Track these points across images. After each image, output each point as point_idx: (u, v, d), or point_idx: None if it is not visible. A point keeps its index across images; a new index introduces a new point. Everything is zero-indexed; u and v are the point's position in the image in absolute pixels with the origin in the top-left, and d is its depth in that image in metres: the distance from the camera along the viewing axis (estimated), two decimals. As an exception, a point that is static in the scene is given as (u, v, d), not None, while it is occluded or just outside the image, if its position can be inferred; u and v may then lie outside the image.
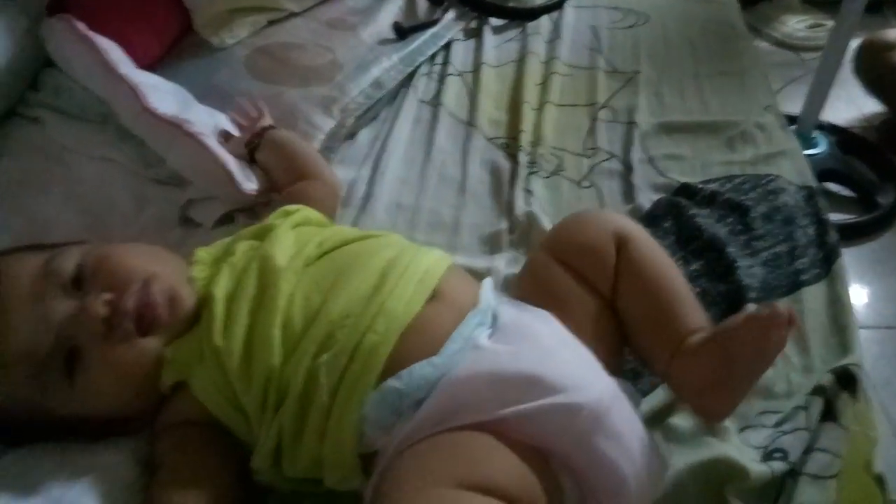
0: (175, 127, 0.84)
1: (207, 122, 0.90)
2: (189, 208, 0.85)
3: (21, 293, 0.56)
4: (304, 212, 0.71)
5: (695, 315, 0.61)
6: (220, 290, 0.59)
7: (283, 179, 0.84)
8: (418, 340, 0.56)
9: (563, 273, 0.65)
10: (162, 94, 0.90)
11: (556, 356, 0.56)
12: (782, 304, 0.55)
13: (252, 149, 0.87)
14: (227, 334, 0.57)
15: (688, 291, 0.63)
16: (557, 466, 0.54)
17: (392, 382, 0.55)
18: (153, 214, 0.85)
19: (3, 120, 0.97)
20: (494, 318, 0.60)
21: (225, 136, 0.89)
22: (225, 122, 0.93)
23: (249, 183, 0.83)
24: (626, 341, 0.64)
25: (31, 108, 0.98)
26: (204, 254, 0.64)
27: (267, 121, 0.91)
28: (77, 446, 0.57)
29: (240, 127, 0.92)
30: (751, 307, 0.56)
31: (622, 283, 0.63)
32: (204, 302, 0.59)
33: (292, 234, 0.65)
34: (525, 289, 0.68)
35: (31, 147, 0.93)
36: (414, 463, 0.50)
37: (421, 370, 0.55)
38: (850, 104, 1.81)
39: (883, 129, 1.76)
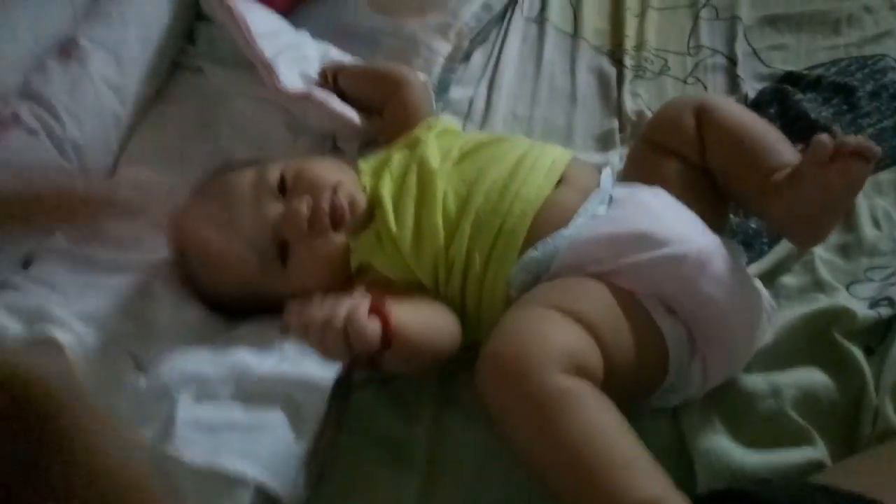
0: (304, 99, 0.95)
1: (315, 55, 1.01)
2: (337, 138, 0.98)
3: (245, 199, 0.72)
4: (442, 124, 0.82)
5: (782, 151, 0.67)
6: (387, 191, 0.73)
7: (378, 98, 0.92)
8: (551, 218, 0.68)
9: (656, 152, 0.74)
10: (287, 58, 1.00)
11: (663, 217, 0.66)
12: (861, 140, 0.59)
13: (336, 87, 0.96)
14: (399, 224, 0.70)
15: (773, 133, 0.70)
16: (660, 315, 0.63)
17: (531, 253, 0.67)
18: (306, 143, 0.99)
19: (170, 72, 1.13)
20: (611, 197, 0.71)
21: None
22: (333, 51, 1.03)
23: (366, 121, 0.94)
24: (725, 201, 0.72)
25: (191, 58, 1.13)
26: (365, 165, 0.78)
27: (331, 67, 0.97)
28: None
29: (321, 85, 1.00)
30: (815, 141, 0.60)
31: (708, 141, 0.71)
32: (375, 202, 0.73)
33: (436, 142, 0.77)
34: (629, 176, 0.77)
35: (198, 93, 1.08)
36: (528, 294, 0.64)
37: (553, 241, 0.67)
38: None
39: None
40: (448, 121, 0.86)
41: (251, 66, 1.08)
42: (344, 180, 0.74)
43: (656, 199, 0.69)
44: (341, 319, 0.55)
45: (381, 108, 0.91)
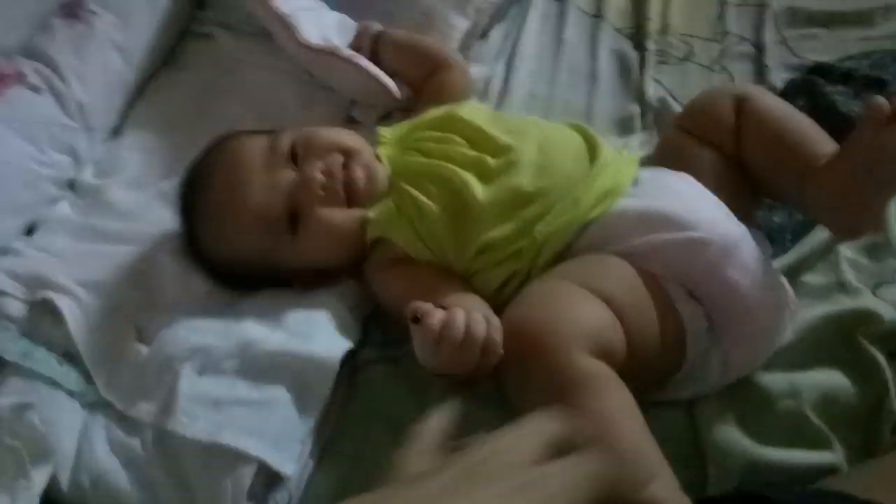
0: (330, 55, 0.91)
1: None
2: (352, 108, 0.95)
3: (257, 165, 0.69)
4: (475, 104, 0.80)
5: (823, 143, 0.65)
6: (417, 164, 0.70)
7: (416, 74, 0.90)
8: None
9: (689, 140, 0.72)
10: (307, 16, 0.98)
11: (690, 201, 0.65)
12: None
13: (376, 53, 0.92)
14: (432, 199, 0.67)
15: (814, 127, 0.68)
16: (681, 301, 0.62)
17: None
18: (321, 114, 0.96)
19: (179, 38, 1.10)
20: (636, 178, 0.69)
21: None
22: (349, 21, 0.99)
23: (401, 90, 0.91)
24: (757, 191, 0.70)
25: (202, 25, 1.10)
26: (387, 133, 0.75)
27: (374, 28, 0.95)
28: (298, 294, 0.71)
29: (356, 48, 0.96)
30: (872, 101, 0.57)
31: (745, 132, 0.69)
32: (399, 174, 0.70)
33: (478, 115, 0.74)
34: (659, 161, 0.75)
35: (208, 60, 1.06)
36: (557, 268, 0.63)
37: None
38: None
39: None
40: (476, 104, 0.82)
41: (264, 35, 1.05)
42: (360, 148, 0.71)
43: (684, 184, 0.67)
44: (482, 332, 0.54)
45: (417, 85, 0.89)
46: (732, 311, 0.62)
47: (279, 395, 0.61)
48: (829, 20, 0.99)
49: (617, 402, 0.53)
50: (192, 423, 0.58)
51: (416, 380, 0.68)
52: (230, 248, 0.71)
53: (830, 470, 0.60)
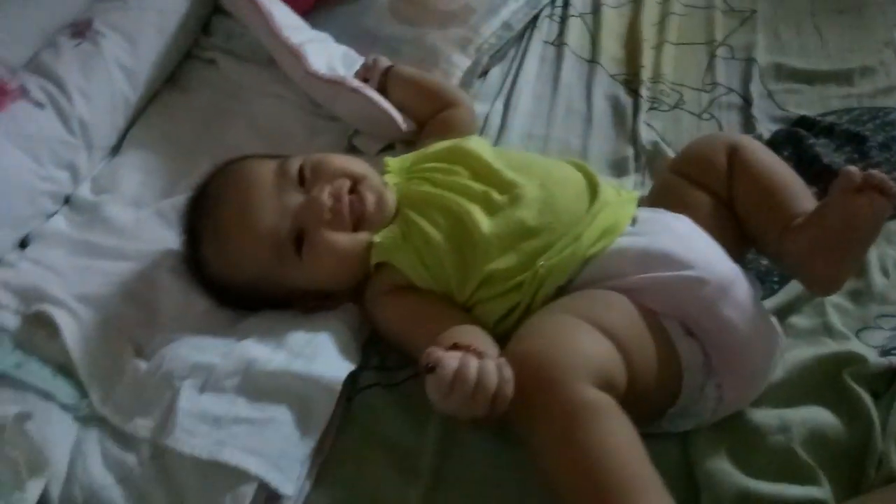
0: (338, 84, 0.93)
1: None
2: (355, 137, 0.97)
3: (266, 187, 0.70)
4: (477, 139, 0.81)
5: (805, 200, 0.69)
6: (423, 192, 0.72)
7: (423, 110, 0.92)
8: None
9: (684, 183, 0.75)
10: (314, 47, 1.00)
11: (687, 241, 0.67)
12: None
13: (384, 86, 0.94)
14: (437, 228, 0.69)
15: (798, 182, 0.71)
16: (678, 337, 0.64)
17: None
18: (323, 142, 0.98)
19: (182, 62, 1.12)
20: (634, 218, 0.71)
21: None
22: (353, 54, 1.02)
23: (406, 123, 0.93)
24: (745, 237, 0.73)
25: (205, 50, 1.11)
26: (393, 163, 0.77)
27: (384, 62, 0.97)
28: (300, 316, 0.71)
29: (363, 79, 0.98)
30: (845, 171, 0.62)
31: (736, 181, 0.73)
32: (405, 202, 0.72)
33: (483, 148, 0.76)
34: (654, 202, 0.77)
35: (211, 85, 1.07)
36: (559, 301, 0.64)
37: None
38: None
39: None
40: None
41: (269, 62, 1.07)
42: (369, 174, 0.73)
43: (681, 224, 0.69)
44: (493, 385, 0.53)
45: (423, 120, 0.91)
46: (728, 347, 0.63)
47: (281, 415, 0.61)
48: (812, 77, 1.05)
49: (619, 434, 0.53)
50: (192, 440, 0.58)
51: (415, 405, 0.68)
52: (234, 268, 0.71)
53: (817, 504, 0.61)
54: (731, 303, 0.63)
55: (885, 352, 0.71)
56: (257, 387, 0.62)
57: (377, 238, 0.71)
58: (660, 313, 0.64)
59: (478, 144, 0.76)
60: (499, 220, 0.68)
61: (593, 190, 0.72)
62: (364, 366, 0.71)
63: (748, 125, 0.99)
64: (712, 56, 1.11)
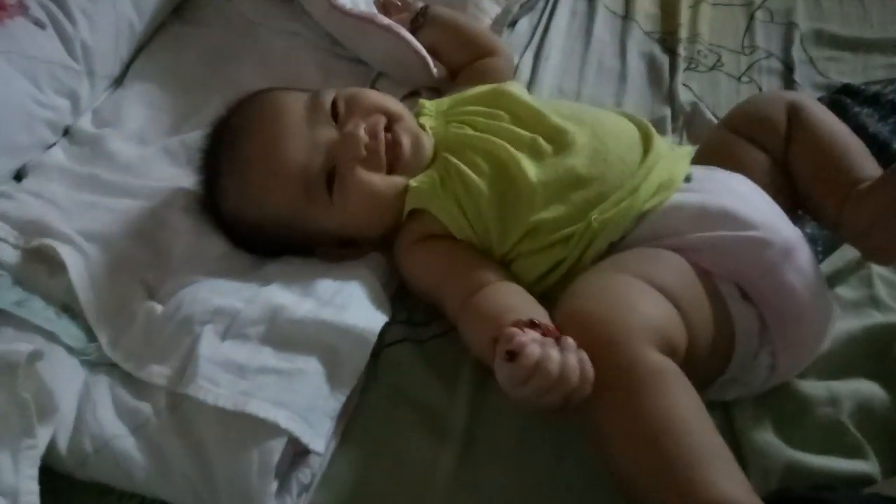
0: (367, 21, 0.86)
1: None
2: (376, 83, 0.91)
3: (297, 119, 0.65)
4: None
5: (867, 165, 0.65)
6: (466, 138, 0.67)
7: (458, 56, 0.86)
8: None
9: (739, 141, 0.71)
10: None
11: (748, 200, 0.63)
12: None
13: (416, 28, 0.89)
14: (480, 175, 0.64)
15: (862, 147, 0.68)
16: (734, 301, 0.60)
17: None
18: (340, 86, 0.91)
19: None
20: (688, 175, 0.67)
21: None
22: None
23: (437, 69, 0.87)
24: (797, 200, 0.69)
25: (217, -20, 1.04)
26: (430, 105, 0.72)
27: (419, 2, 0.91)
28: (324, 264, 0.67)
29: (389, 12, 0.95)
30: None
31: (795, 143, 0.69)
32: (444, 146, 0.67)
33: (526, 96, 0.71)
34: (703, 160, 0.73)
35: (223, 19, 1.00)
36: (611, 259, 0.60)
37: None
38: None
39: None
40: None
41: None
42: (405, 114, 0.67)
43: (740, 183, 0.66)
44: (574, 383, 0.48)
45: (455, 67, 0.85)
46: (786, 314, 0.60)
47: (310, 366, 0.56)
48: (855, 45, 1.01)
49: (685, 400, 0.50)
50: (215, 389, 0.53)
51: (443, 363, 0.65)
52: (258, 207, 0.66)
53: (866, 480, 0.59)
54: (794, 267, 0.60)
55: (935, 327, 0.68)
56: (284, 336, 0.57)
57: (413, 183, 0.65)
58: (716, 275, 0.60)
59: (520, 89, 0.71)
60: (546, 168, 0.64)
61: (647, 142, 0.67)
62: (391, 320, 0.67)
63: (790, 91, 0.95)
64: (751, 18, 1.06)
